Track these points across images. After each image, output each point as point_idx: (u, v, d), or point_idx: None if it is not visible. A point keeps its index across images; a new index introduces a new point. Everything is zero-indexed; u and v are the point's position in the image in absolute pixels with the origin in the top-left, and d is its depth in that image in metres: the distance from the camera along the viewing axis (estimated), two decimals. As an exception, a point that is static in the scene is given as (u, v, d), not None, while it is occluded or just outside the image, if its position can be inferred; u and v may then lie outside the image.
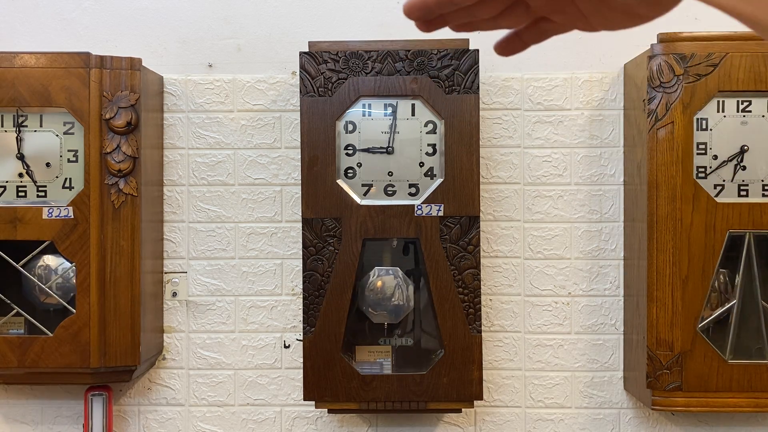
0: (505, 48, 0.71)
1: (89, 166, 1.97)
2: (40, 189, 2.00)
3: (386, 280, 2.02)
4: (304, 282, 1.96)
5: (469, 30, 0.71)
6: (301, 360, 2.03)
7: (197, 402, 2.22)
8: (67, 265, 2.02)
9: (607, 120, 2.19)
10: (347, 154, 1.99)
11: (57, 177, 2.01)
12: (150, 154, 2.11)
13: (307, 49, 1.98)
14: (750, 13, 0.59)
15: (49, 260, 2.04)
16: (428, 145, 1.98)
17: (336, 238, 1.95)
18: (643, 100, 1.95)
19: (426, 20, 0.70)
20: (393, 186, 1.99)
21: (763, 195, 1.94)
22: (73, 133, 2.00)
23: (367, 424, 2.21)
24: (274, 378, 2.22)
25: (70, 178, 2.00)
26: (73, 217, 1.97)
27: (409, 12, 0.70)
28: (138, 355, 2.00)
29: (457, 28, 0.71)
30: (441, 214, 1.94)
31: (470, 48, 1.95)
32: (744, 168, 1.94)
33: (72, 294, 2.02)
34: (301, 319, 2.03)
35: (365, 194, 1.98)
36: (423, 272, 2.00)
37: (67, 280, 2.04)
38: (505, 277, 2.19)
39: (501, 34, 0.71)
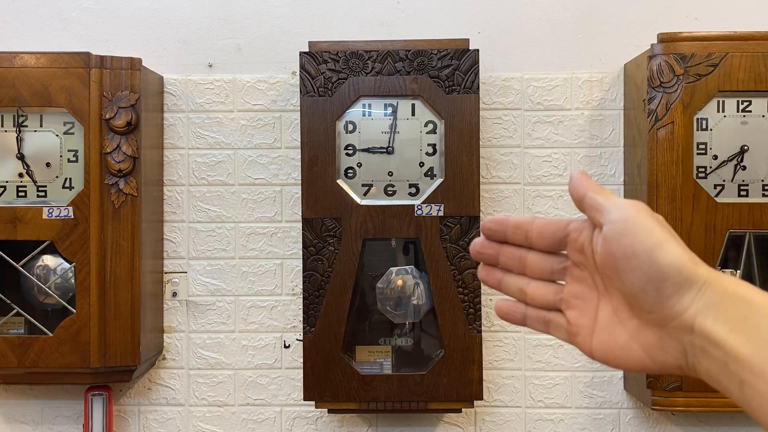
0: (507, 311, 0.77)
1: (89, 166, 1.97)
2: (40, 189, 2.00)
3: (405, 279, 2.02)
4: (304, 282, 1.96)
5: (517, 321, 0.76)
6: (301, 360, 2.02)
7: (197, 402, 2.22)
8: (66, 265, 2.02)
9: (607, 120, 2.19)
10: (347, 154, 1.99)
11: (57, 177, 2.01)
12: (150, 154, 2.10)
13: (307, 49, 1.98)
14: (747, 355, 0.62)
15: (48, 260, 2.04)
16: (428, 145, 1.98)
17: (336, 238, 1.95)
18: (643, 100, 1.95)
19: (489, 257, 0.77)
20: (393, 186, 1.99)
21: (763, 195, 1.94)
22: (73, 133, 2.00)
23: (367, 424, 2.21)
24: (274, 378, 2.22)
25: (70, 178, 2.00)
26: (73, 217, 1.97)
27: (484, 227, 0.76)
28: (138, 355, 2.00)
29: (505, 314, 0.77)
30: (441, 214, 1.94)
31: (470, 48, 1.95)
32: (744, 168, 1.94)
33: (71, 294, 2.02)
34: (301, 319, 2.03)
35: (365, 194, 1.98)
36: (423, 272, 2.00)
37: (66, 280, 2.04)
38: (505, 277, 2.19)
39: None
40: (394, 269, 2.02)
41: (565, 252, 0.74)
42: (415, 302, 2.00)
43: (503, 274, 0.76)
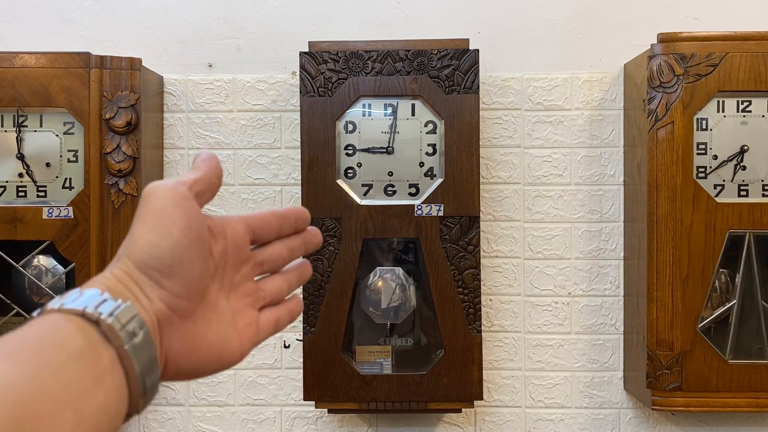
0: None
1: (89, 166, 1.97)
2: (40, 189, 2.00)
3: (388, 280, 2.02)
4: (304, 282, 1.96)
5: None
6: (301, 360, 2.02)
7: (197, 402, 2.22)
8: (59, 267, 2.02)
9: (607, 120, 2.19)
10: (347, 154, 1.99)
11: (57, 177, 2.01)
12: (150, 154, 2.11)
13: (307, 49, 1.98)
14: None
15: (42, 261, 2.03)
16: (428, 145, 1.98)
17: (336, 238, 1.95)
18: (643, 100, 1.95)
19: None
20: (393, 186, 1.99)
21: (763, 195, 1.94)
22: (73, 133, 2.00)
23: (367, 424, 2.21)
24: (274, 378, 2.22)
25: (70, 178, 2.00)
26: (73, 217, 1.97)
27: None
28: (138, 355, 1.99)
29: None
30: (441, 214, 1.94)
31: (470, 48, 1.95)
32: (744, 168, 1.94)
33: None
34: (301, 319, 2.03)
35: (365, 194, 1.98)
36: (423, 272, 2.00)
37: (60, 281, 2.04)
38: (505, 277, 2.19)
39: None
40: (379, 269, 2.02)
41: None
42: (396, 304, 2.00)
43: None
